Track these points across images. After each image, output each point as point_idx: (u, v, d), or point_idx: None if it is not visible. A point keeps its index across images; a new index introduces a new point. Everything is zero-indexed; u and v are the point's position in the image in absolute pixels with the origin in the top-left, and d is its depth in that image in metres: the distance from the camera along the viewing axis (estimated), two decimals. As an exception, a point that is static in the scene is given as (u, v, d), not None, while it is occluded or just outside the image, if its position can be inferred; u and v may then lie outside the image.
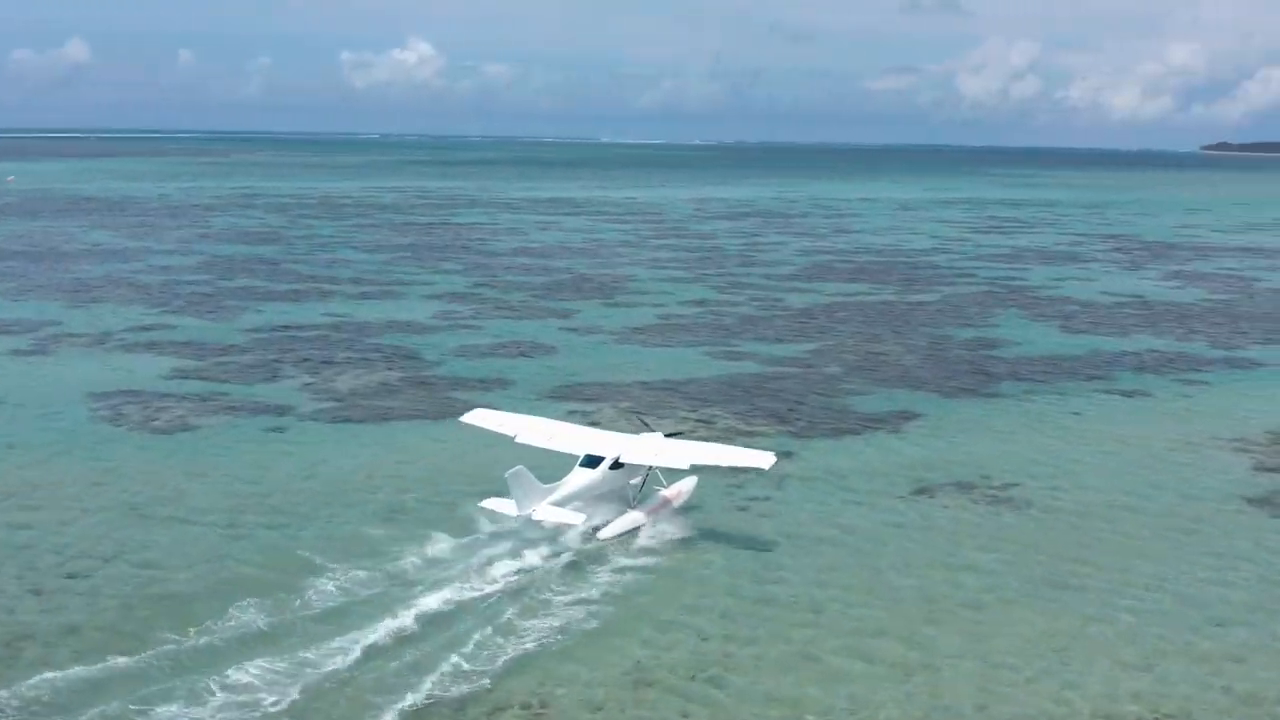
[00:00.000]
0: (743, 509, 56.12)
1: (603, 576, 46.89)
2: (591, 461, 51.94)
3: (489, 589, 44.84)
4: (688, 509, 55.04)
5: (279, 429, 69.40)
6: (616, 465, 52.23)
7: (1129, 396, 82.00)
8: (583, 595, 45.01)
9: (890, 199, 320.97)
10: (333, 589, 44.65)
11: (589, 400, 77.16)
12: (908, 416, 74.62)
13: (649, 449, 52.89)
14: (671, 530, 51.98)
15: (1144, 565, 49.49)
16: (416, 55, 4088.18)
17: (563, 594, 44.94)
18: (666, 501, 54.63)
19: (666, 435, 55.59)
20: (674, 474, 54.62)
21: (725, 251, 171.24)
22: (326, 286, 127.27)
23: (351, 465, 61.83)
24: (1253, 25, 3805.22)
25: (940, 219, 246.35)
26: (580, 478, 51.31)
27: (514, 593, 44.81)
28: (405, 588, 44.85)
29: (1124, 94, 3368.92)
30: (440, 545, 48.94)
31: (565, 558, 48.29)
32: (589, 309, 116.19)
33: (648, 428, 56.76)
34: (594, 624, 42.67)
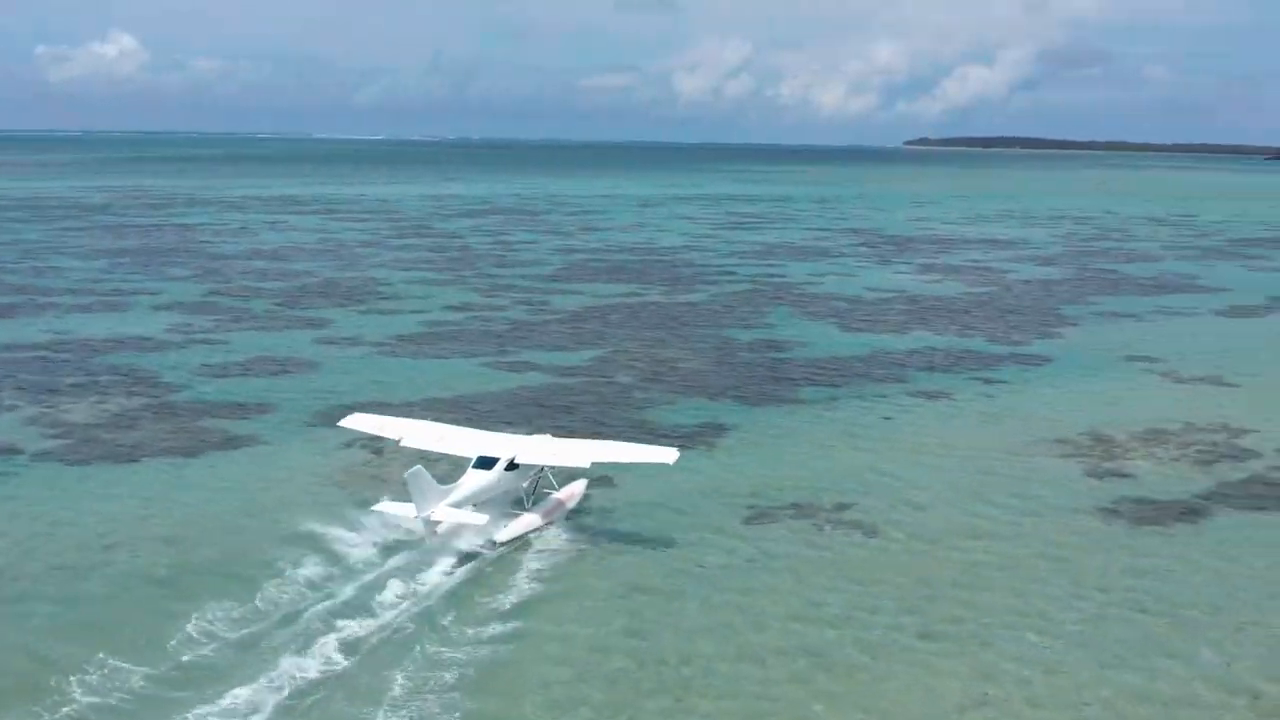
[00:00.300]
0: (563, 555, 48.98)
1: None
2: (486, 463, 49.80)
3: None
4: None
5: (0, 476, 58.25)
6: (511, 466, 50.33)
7: (932, 399, 78.50)
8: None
9: (628, 195, 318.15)
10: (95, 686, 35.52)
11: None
12: (718, 430, 68.95)
13: (545, 449, 52.07)
14: (565, 535, 50.26)
15: (1011, 601, 44.39)
16: (118, 48, 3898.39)
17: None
18: (560, 504, 52.53)
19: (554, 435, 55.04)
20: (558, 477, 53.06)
21: (476, 251, 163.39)
22: (41, 299, 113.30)
23: (96, 520, 51.67)
24: (950, 26, 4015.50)
25: (683, 215, 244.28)
26: (476, 479, 48.98)
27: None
28: (195, 687, 35.96)
29: (831, 92, 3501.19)
30: (225, 618, 40.44)
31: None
32: (344, 317, 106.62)
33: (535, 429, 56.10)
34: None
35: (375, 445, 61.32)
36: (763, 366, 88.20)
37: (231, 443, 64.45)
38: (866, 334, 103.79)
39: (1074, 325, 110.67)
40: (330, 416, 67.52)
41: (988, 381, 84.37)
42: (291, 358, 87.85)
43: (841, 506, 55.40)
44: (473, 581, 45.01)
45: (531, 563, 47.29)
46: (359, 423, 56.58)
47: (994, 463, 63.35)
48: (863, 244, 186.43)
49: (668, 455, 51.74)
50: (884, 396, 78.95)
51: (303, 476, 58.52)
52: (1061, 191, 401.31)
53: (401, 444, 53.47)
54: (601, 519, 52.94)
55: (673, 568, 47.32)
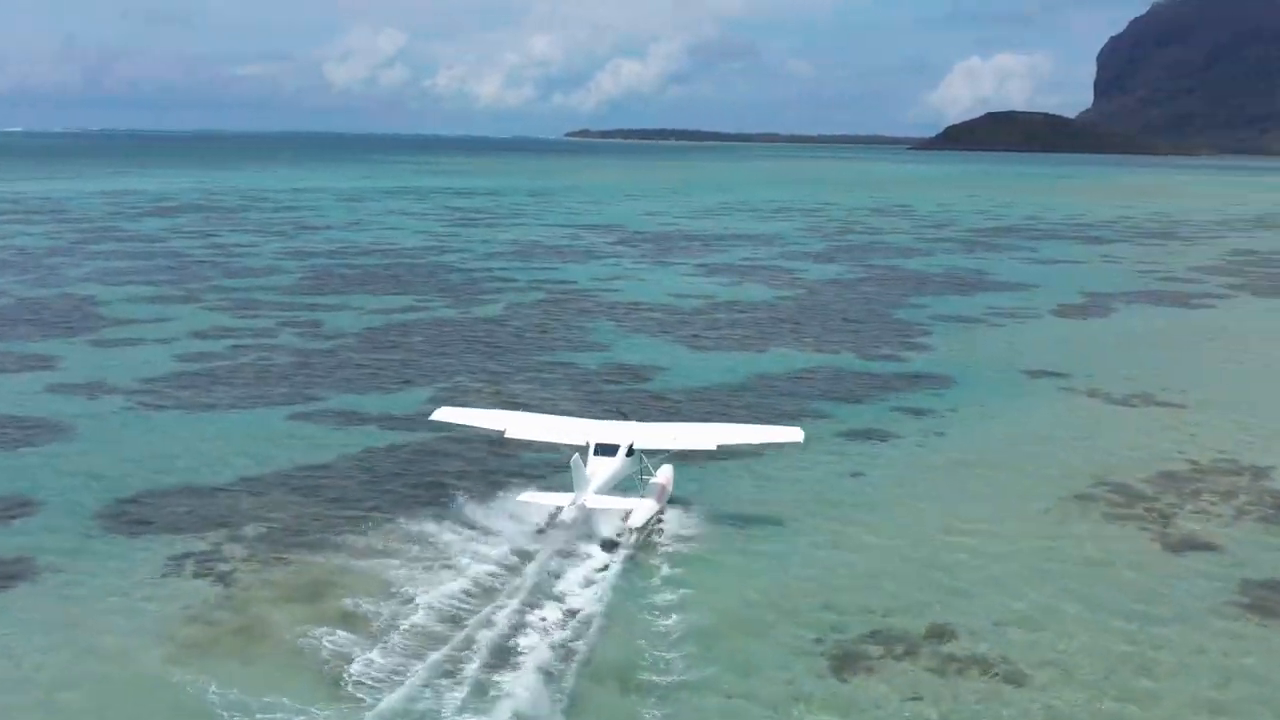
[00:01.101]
0: None
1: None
2: (608, 449, 48.85)
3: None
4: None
5: None
6: (629, 452, 49.24)
7: (876, 441, 63.49)
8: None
9: (324, 189, 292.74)
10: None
11: (187, 530, 47.53)
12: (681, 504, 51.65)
13: (667, 433, 51.70)
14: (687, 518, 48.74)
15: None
16: None
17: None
18: (664, 488, 50.40)
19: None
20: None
21: (191, 258, 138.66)
22: None
23: None
24: (604, 19, 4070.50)
25: (401, 211, 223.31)
26: (604, 466, 47.91)
27: None
28: None
29: (488, 83, 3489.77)
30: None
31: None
32: (72, 352, 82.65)
33: (624, 417, 54.59)
34: None
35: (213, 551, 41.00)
36: (646, 405, 70.79)
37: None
38: (723, 353, 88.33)
39: (928, 334, 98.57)
40: (117, 516, 46.86)
41: (915, 414, 69.89)
42: (26, 419, 64.41)
43: (937, 634, 39.43)
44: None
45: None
46: (451, 416, 54.52)
47: (1047, 542, 48.46)
48: (620, 242, 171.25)
49: (795, 434, 52.11)
50: (820, 440, 63.26)
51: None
52: (762, 182, 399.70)
53: (506, 435, 52.14)
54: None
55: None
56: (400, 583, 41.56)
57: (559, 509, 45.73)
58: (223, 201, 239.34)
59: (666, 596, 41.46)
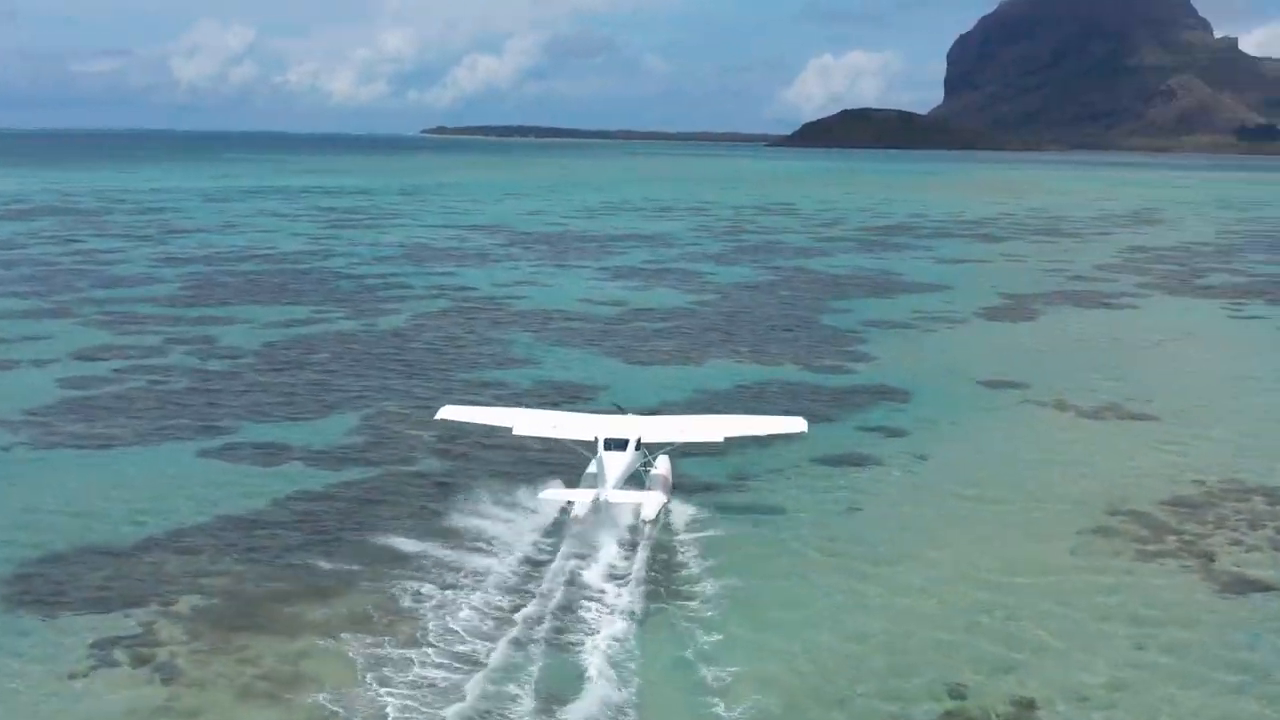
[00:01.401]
0: None
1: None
2: (618, 444, 48.48)
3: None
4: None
5: None
6: (636, 446, 49.06)
7: (855, 467, 58.17)
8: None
9: (183, 189, 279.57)
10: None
11: (110, 605, 39.89)
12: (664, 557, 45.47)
13: (672, 427, 52.20)
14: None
15: None
16: None
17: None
18: (666, 479, 50.68)
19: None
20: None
21: (58, 266, 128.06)
22: None
23: None
24: (458, 14, 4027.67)
25: (271, 212, 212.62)
26: (616, 461, 47.57)
27: None
28: None
29: (341, 79, 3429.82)
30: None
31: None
32: (-65, 380, 73.37)
33: (622, 411, 53.87)
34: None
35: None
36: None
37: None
38: (661, 367, 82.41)
39: (864, 341, 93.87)
40: (36, 603, 39.26)
41: (888, 434, 64.70)
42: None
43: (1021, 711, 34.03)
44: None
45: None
46: (455, 414, 54.12)
47: (1089, 593, 43.25)
48: (512, 243, 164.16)
49: (798, 424, 52.90)
50: (797, 468, 57.63)
51: None
52: (637, 180, 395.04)
53: (515, 432, 51.93)
54: None
55: None
56: (374, 665, 34.94)
57: (576, 504, 46.22)
58: (80, 203, 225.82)
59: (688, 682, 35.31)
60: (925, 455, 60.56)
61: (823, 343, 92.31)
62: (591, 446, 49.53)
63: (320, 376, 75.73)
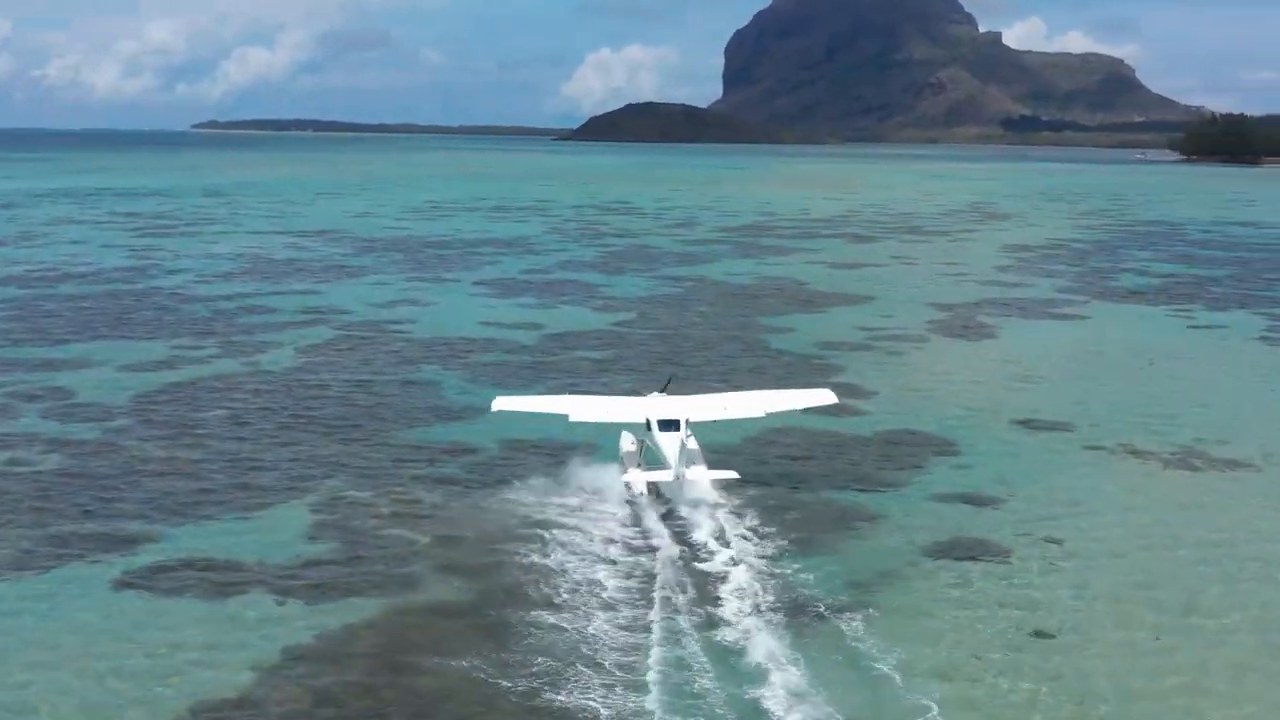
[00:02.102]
0: None
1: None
2: (671, 424, 50.08)
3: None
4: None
5: None
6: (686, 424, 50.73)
7: (960, 549, 45.44)
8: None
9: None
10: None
11: None
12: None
13: (716, 405, 54.70)
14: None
15: None
16: None
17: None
18: (700, 451, 51.35)
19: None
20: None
21: None
22: None
23: None
24: (228, 6, 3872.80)
25: (70, 219, 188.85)
26: (673, 440, 49.22)
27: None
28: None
29: (105, 73, 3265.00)
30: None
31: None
32: None
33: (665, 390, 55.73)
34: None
35: None
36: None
37: None
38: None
39: (837, 370, 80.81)
40: None
41: (977, 507, 51.71)
42: None
43: None
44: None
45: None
46: (510, 404, 55.02)
47: None
48: (360, 252, 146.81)
49: (827, 397, 56.95)
50: (886, 561, 44.59)
51: None
52: (450, 177, 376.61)
53: (570, 419, 52.79)
54: None
55: None
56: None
57: (655, 484, 49.58)
58: None
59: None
60: (1058, 539, 47.80)
61: (791, 373, 78.75)
62: (638, 427, 52.71)
63: (226, 445, 58.86)
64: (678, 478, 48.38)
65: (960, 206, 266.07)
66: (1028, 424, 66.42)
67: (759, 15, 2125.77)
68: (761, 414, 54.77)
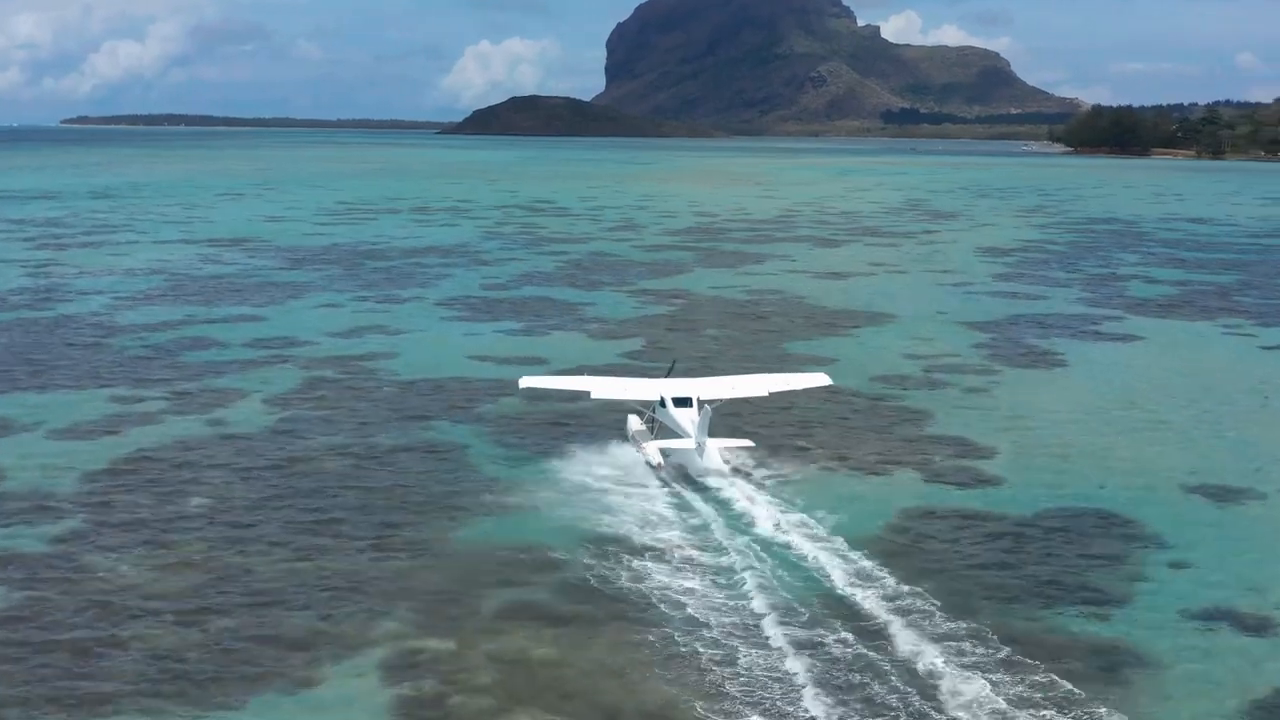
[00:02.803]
0: None
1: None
2: (684, 402, 54.04)
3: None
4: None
5: None
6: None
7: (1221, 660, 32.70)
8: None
9: None
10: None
11: None
12: None
13: (724, 385, 58.10)
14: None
15: None
16: None
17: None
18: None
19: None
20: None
21: None
22: None
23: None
24: None
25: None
26: (689, 415, 53.15)
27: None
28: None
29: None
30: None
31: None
32: None
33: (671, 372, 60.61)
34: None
35: None
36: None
37: None
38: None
39: (941, 420, 67.96)
40: None
41: (1197, 627, 39.27)
42: None
43: None
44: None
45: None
46: (536, 383, 59.53)
47: None
48: (292, 266, 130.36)
49: (821, 379, 61.10)
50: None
51: None
52: (351, 175, 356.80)
53: (593, 396, 56.47)
54: None
55: None
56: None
57: (669, 453, 52.89)
58: None
59: None
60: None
61: (881, 432, 64.60)
62: (653, 405, 55.97)
63: (220, 562, 43.48)
64: (699, 445, 51.56)
65: (898, 204, 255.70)
66: (1204, 490, 53.95)
67: (640, 8, 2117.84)
68: (765, 393, 58.12)
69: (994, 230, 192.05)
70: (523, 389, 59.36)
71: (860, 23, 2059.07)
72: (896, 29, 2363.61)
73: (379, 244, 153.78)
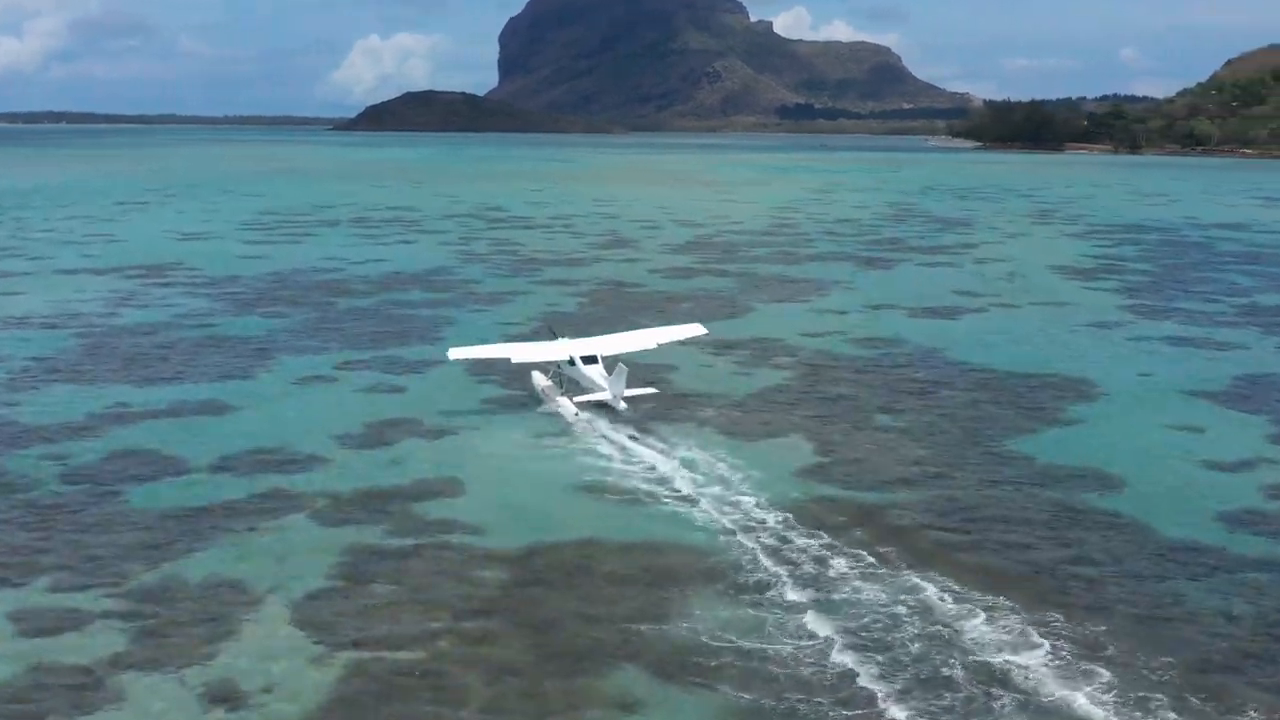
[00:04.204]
0: None
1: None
2: (590, 359, 61.01)
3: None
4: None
5: None
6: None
7: None
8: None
9: None
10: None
11: None
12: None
13: (620, 342, 65.14)
14: None
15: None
16: None
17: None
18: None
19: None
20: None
21: None
22: None
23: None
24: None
25: None
26: (598, 369, 60.19)
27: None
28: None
29: None
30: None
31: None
32: None
33: (554, 336, 66.06)
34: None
35: None
36: None
37: None
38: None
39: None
40: None
41: None
42: None
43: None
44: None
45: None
46: (463, 353, 64.12)
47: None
48: (240, 306, 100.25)
49: (696, 330, 69.31)
50: None
51: None
52: (263, 176, 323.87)
53: (513, 362, 62.87)
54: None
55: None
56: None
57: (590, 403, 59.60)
58: None
59: None
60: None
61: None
62: (564, 364, 62.37)
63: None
64: (615, 396, 58.17)
65: (884, 209, 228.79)
66: None
67: (533, 2, 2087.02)
68: (654, 346, 65.37)
69: (1035, 242, 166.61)
70: (451, 359, 64.06)
71: (753, 18, 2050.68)
72: (786, 25, 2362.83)
73: (336, 271, 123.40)
